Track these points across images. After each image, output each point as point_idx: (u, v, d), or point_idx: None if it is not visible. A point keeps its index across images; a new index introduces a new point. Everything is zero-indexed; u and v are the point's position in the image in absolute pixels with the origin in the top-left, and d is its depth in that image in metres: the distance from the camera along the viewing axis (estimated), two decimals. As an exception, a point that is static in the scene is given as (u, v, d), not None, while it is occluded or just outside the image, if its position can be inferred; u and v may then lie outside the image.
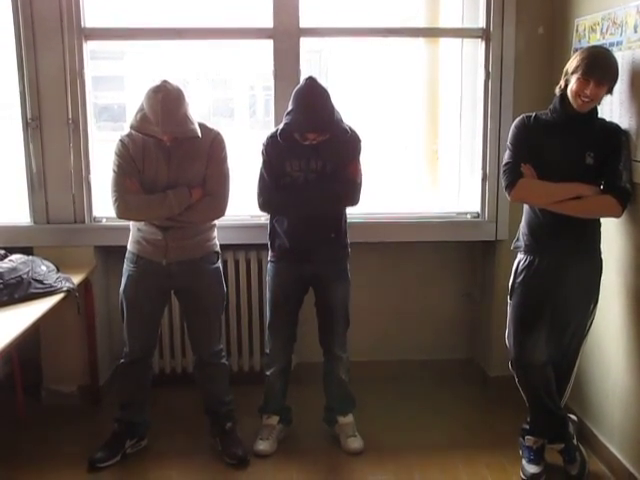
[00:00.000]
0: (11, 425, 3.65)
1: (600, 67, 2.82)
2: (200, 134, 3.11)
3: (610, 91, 2.90)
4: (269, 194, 3.28)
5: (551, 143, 3.00)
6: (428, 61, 4.12)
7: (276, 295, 3.41)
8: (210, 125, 3.23)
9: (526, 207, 3.15)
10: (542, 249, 3.08)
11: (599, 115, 3.00)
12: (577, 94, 2.86)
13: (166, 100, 2.98)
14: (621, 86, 2.95)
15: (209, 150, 3.18)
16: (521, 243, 3.16)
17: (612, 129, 2.99)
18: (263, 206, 3.32)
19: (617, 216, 2.97)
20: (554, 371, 3.19)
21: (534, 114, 3.07)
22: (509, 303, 3.19)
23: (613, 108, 3.05)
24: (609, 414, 3.29)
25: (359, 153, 3.30)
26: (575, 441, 3.23)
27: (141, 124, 3.04)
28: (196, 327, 3.38)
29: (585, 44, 3.32)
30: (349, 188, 3.28)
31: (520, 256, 3.16)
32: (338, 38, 3.97)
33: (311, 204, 3.25)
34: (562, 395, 3.26)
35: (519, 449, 3.33)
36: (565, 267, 3.04)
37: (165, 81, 3.03)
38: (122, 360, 3.39)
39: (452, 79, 4.09)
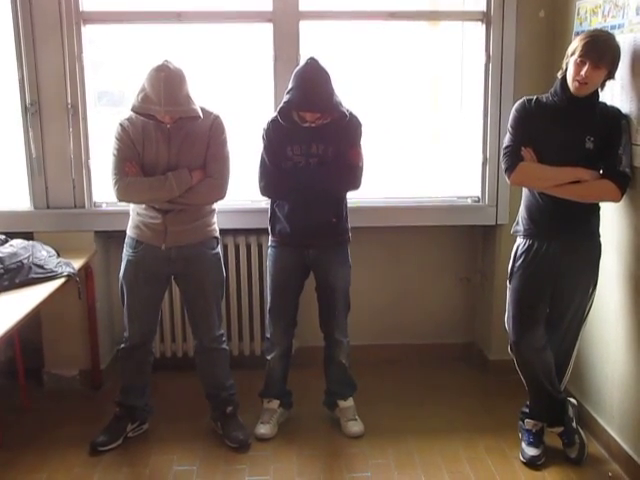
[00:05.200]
0: (14, 409, 3.67)
1: (597, 49, 2.82)
2: (201, 115, 3.11)
3: (611, 76, 2.89)
4: (270, 178, 3.29)
5: (551, 127, 3.01)
6: (430, 44, 4.12)
7: (277, 280, 3.43)
8: (209, 108, 3.23)
9: (525, 191, 3.17)
10: (541, 233, 3.09)
11: (600, 99, 2.99)
12: (574, 76, 2.87)
13: (168, 79, 2.99)
14: (622, 70, 2.95)
15: (209, 133, 3.19)
16: (520, 227, 3.18)
17: (612, 113, 3.00)
18: (264, 190, 3.33)
19: (616, 201, 2.98)
20: (553, 355, 3.21)
21: (535, 97, 3.08)
22: (508, 287, 3.21)
23: (614, 92, 3.05)
24: (608, 398, 3.31)
25: (360, 137, 3.31)
26: (574, 424, 3.26)
27: (142, 104, 3.04)
28: (196, 312, 3.40)
29: (587, 27, 3.32)
30: (351, 172, 3.29)
31: (519, 240, 3.18)
32: (338, 21, 3.97)
33: (313, 188, 3.26)
34: (562, 379, 3.29)
35: (519, 432, 3.37)
36: (564, 251, 3.06)
37: (167, 61, 3.04)
38: (122, 345, 3.41)
39: (453, 62, 4.09)
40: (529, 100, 3.08)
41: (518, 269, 3.15)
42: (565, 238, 3.05)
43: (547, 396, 3.23)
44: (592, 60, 2.81)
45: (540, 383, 3.21)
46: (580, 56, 2.83)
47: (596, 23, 3.24)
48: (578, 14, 3.45)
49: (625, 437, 3.17)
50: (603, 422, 3.35)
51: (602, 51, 2.83)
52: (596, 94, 2.96)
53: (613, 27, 3.07)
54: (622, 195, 2.94)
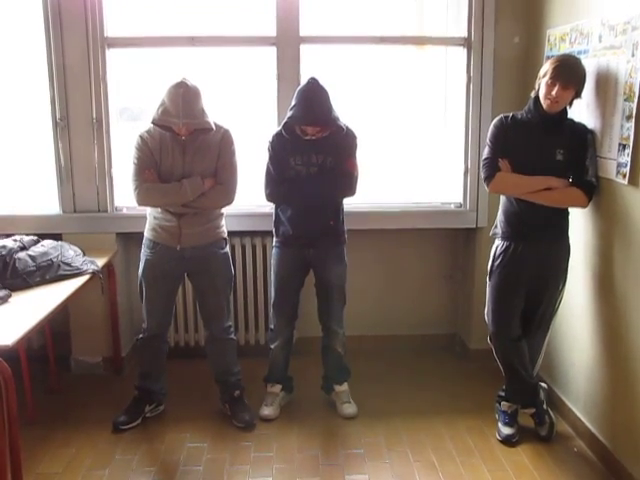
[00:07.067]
0: (45, 391, 3.71)
1: (566, 73, 2.88)
2: (214, 127, 3.15)
3: (578, 95, 2.95)
4: (275, 186, 3.32)
5: (526, 140, 3.05)
6: (417, 66, 4.11)
7: (280, 277, 3.45)
8: (220, 123, 3.26)
9: (502, 198, 3.20)
10: (517, 236, 3.13)
11: (569, 116, 3.05)
12: (545, 96, 2.93)
13: (186, 94, 3.03)
14: (587, 90, 3.00)
15: (220, 144, 3.21)
16: (499, 230, 3.21)
17: (580, 128, 3.05)
18: (269, 196, 3.36)
19: (584, 206, 3.03)
20: (527, 344, 3.25)
21: (511, 114, 3.12)
22: (488, 284, 3.24)
23: (581, 110, 3.10)
24: (574, 382, 3.36)
25: (356, 149, 3.33)
26: (545, 406, 3.31)
27: (162, 117, 3.07)
28: (207, 306, 3.42)
29: (556, 52, 3.37)
30: (347, 181, 3.31)
31: (497, 242, 3.22)
32: (335, 45, 4.01)
33: (313, 195, 3.29)
34: (534, 366, 3.32)
35: (495, 413, 3.41)
36: (537, 252, 3.10)
37: (185, 78, 3.08)
38: (141, 335, 3.44)
39: (438, 82, 4.11)
40: (506, 117, 3.12)
41: (497, 268, 3.18)
42: (538, 240, 3.10)
43: (521, 381, 3.27)
44: (561, 82, 2.87)
45: (515, 370, 3.25)
46: (551, 78, 2.89)
47: (564, 49, 3.29)
48: (548, 40, 3.50)
49: (588, 417, 3.22)
50: (570, 404, 3.40)
51: (570, 74, 2.89)
52: (565, 111, 3.00)
53: (579, 52, 3.12)
54: (589, 201, 3.00)
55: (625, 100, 2.78)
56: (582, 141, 3.02)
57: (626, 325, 2.87)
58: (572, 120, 3.07)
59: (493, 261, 3.22)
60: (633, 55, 2.72)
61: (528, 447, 3.22)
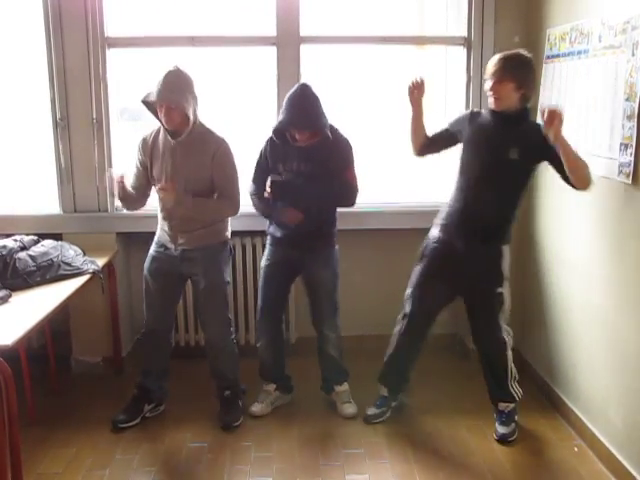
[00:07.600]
0: (45, 391, 3.70)
1: (498, 67, 2.95)
2: (191, 116, 3.11)
3: (522, 89, 2.94)
4: (257, 197, 3.38)
5: (480, 136, 3.08)
6: (417, 65, 4.10)
7: (266, 273, 3.45)
8: (216, 131, 3.26)
9: (452, 191, 3.21)
10: (455, 231, 3.15)
11: (532, 119, 3.08)
12: (487, 93, 3.01)
13: (172, 74, 3.07)
14: (588, 90, 2.99)
15: (214, 155, 3.20)
16: (440, 221, 3.24)
17: (541, 129, 2.95)
18: (253, 206, 3.43)
19: (586, 187, 2.88)
20: (485, 359, 3.31)
21: (480, 110, 3.20)
22: (415, 269, 3.29)
23: (581, 110, 3.09)
24: (575, 382, 3.34)
25: (352, 158, 3.32)
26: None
27: (146, 95, 3.13)
28: (200, 309, 3.44)
29: (556, 52, 3.38)
30: (347, 192, 3.31)
31: (435, 231, 3.26)
32: (335, 45, 4.02)
33: (308, 204, 3.27)
34: (504, 381, 3.29)
35: (493, 413, 3.38)
36: (468, 250, 3.11)
37: (178, 65, 3.12)
38: (143, 330, 3.47)
39: (438, 81, 4.10)
40: (472, 111, 3.22)
41: (428, 254, 3.24)
42: (470, 240, 3.11)
43: (395, 365, 3.41)
44: (494, 76, 2.95)
45: (400, 351, 3.40)
46: (487, 75, 2.99)
47: (564, 48, 3.29)
48: (548, 40, 3.50)
49: (589, 416, 3.21)
50: (570, 403, 3.39)
51: (502, 67, 2.94)
52: (524, 112, 3.02)
53: (579, 52, 3.13)
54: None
55: (626, 100, 2.77)
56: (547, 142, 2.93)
57: (628, 325, 2.86)
58: (534, 122, 3.08)
59: (425, 247, 3.27)
60: (633, 55, 2.71)
61: (529, 447, 3.22)
